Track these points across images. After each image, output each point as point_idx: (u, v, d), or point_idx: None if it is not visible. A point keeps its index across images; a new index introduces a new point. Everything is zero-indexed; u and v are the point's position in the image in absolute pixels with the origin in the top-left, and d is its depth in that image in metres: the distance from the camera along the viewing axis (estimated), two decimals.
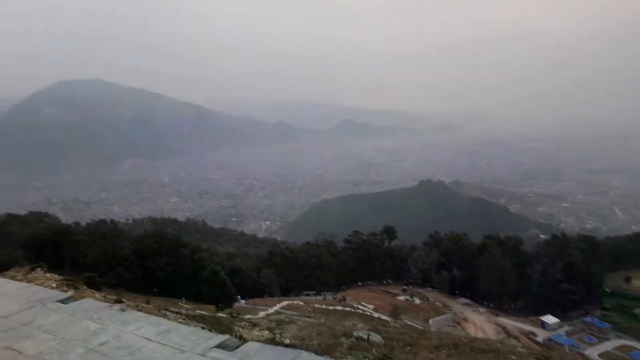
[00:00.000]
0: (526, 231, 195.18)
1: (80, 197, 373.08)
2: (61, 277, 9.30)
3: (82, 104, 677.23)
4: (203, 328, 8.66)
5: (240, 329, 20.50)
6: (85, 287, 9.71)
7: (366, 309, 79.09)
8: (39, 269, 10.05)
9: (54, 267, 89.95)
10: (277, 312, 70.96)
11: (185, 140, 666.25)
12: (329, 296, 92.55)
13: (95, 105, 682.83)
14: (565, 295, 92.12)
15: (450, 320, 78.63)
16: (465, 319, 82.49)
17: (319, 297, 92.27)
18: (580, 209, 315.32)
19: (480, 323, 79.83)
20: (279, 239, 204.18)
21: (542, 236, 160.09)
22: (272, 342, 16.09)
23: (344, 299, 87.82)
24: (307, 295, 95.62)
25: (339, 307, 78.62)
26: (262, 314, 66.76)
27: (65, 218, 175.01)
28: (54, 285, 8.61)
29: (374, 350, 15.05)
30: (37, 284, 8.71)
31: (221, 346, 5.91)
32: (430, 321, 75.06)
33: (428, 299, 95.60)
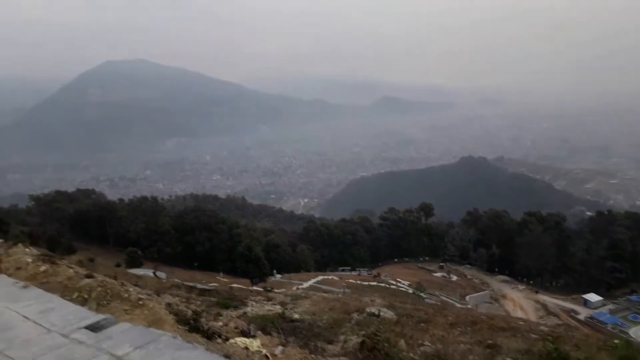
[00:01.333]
0: (572, 208, 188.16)
1: (126, 174, 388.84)
2: (38, 253, 9.60)
3: (127, 83, 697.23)
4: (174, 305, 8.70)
5: (254, 303, 21.10)
6: (64, 262, 9.98)
7: (401, 285, 79.01)
8: (20, 244, 10.41)
9: (100, 240, 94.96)
10: (310, 287, 72.41)
11: (226, 119, 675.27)
12: (364, 272, 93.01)
13: (138, 85, 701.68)
14: (610, 273, 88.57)
15: (488, 297, 77.34)
16: (503, 296, 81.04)
17: (353, 273, 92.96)
18: (631, 185, 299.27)
19: (519, 300, 78.21)
20: (316, 215, 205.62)
21: (588, 213, 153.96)
22: (280, 316, 16.51)
23: (379, 274, 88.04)
24: (342, 270, 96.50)
25: (374, 283, 78.99)
26: (295, 288, 68.12)
27: (112, 195, 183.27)
28: (29, 260, 8.90)
29: (380, 325, 15.09)
30: (11, 259, 9.04)
31: (92, 327, 5.71)
32: (467, 298, 74.10)
33: (465, 276, 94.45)
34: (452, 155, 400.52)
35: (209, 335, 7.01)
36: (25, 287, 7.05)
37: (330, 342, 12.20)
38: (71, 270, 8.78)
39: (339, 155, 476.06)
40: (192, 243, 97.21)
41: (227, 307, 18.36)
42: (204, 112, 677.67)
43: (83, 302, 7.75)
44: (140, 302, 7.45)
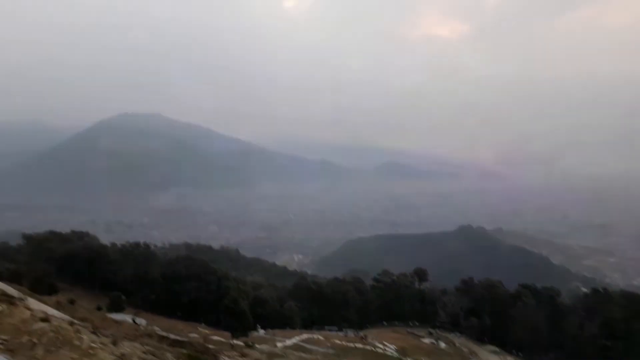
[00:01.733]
0: (568, 284, 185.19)
1: (124, 220, 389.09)
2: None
3: (138, 135, 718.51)
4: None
5: (227, 358, 20.94)
6: (24, 303, 10.09)
7: (387, 349, 76.95)
8: None
9: (86, 283, 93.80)
10: (294, 345, 70.66)
11: (231, 174, 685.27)
12: (351, 333, 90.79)
13: (150, 138, 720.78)
14: (601, 352, 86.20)
15: None
16: None
17: (340, 333, 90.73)
18: (628, 265, 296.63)
19: None
20: (309, 272, 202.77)
21: (584, 289, 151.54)
22: None
23: (366, 337, 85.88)
24: (329, 330, 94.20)
25: (359, 345, 77.01)
26: (279, 345, 66.54)
27: (106, 239, 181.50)
28: None
29: None
30: None
31: None
32: None
33: (454, 344, 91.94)
34: (451, 223, 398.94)
35: None
36: None
37: None
38: (28, 313, 8.62)
39: (338, 215, 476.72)
40: (179, 292, 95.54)
41: None
42: (211, 166, 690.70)
43: (31, 346, 7.44)
44: (91, 352, 7.34)
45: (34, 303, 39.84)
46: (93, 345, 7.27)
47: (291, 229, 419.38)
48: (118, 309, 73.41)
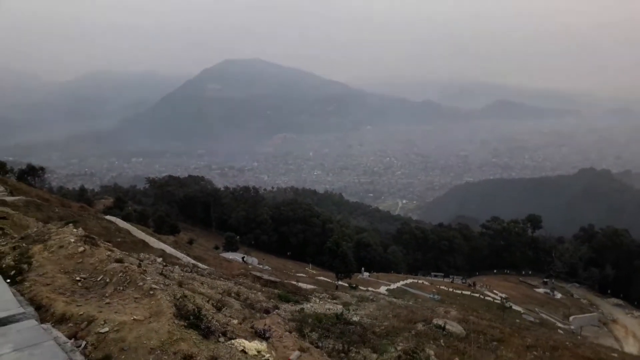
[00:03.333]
0: None
1: (235, 165, 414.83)
2: (83, 234, 9.99)
3: (243, 80, 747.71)
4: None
5: (317, 300, 20.46)
6: (104, 243, 10.34)
7: (497, 298, 73.78)
8: (70, 224, 11.05)
9: (204, 224, 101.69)
10: (398, 288, 70.49)
11: (331, 117, 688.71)
12: (458, 280, 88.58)
13: (253, 82, 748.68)
14: None
15: (596, 320, 69.28)
16: (614, 321, 72.04)
17: (446, 280, 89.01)
18: None
19: (632, 327, 68.82)
20: (414, 218, 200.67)
21: None
22: (337, 317, 15.63)
23: (474, 284, 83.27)
24: (435, 276, 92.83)
25: (467, 292, 74.83)
26: (382, 288, 66.78)
27: (220, 183, 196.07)
28: (72, 240, 9.27)
29: (441, 340, 13.64)
30: (58, 237, 9.49)
31: (3, 321, 5.82)
32: (571, 318, 67.27)
33: (572, 295, 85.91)
34: (571, 165, 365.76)
35: (206, 334, 6.46)
36: None
37: (374, 351, 11.14)
38: (105, 254, 8.98)
39: (443, 158, 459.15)
40: (287, 233, 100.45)
41: (287, 301, 18.01)
42: (311, 110, 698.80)
43: (104, 285, 7.95)
44: (151, 292, 7.37)
45: (154, 242, 43.42)
46: (153, 286, 7.52)
47: (394, 174, 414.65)
48: (232, 248, 78.88)
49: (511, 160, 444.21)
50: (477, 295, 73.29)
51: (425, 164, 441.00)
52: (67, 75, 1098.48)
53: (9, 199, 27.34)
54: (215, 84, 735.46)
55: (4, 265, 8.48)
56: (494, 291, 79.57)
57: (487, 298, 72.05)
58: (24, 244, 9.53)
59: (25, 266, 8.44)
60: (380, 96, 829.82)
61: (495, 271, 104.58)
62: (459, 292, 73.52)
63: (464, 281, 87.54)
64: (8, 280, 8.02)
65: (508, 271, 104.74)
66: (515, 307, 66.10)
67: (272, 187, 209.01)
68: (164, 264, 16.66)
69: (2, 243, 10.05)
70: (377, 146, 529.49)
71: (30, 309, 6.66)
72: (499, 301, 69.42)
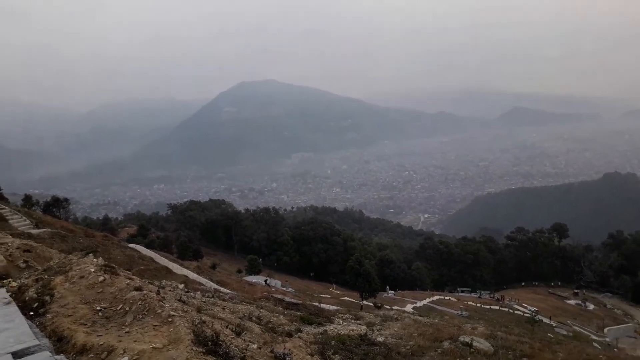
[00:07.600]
0: None
1: (255, 186, 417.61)
2: (103, 263, 10.14)
3: (258, 102, 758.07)
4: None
5: (340, 321, 20.17)
6: (124, 272, 10.46)
7: (526, 311, 71.74)
8: (91, 254, 11.21)
9: (226, 247, 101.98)
10: (425, 306, 69.08)
11: (347, 134, 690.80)
12: (485, 294, 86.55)
13: (269, 103, 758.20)
14: None
15: (632, 331, 66.62)
16: None
17: (473, 295, 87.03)
18: None
19: None
20: (437, 232, 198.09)
21: None
22: (361, 338, 15.37)
23: (502, 298, 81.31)
24: (462, 291, 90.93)
25: (495, 307, 73.01)
26: (409, 306, 65.55)
27: (241, 205, 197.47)
28: (92, 270, 9.39)
29: (468, 358, 13.24)
30: (78, 268, 9.64)
31: (17, 353, 5.78)
32: (606, 330, 64.83)
33: (605, 306, 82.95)
34: (594, 170, 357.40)
35: (225, 359, 6.39)
36: (7, 303, 7.59)
37: None
38: (124, 282, 9.05)
39: (463, 170, 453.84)
40: (309, 253, 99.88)
41: (310, 323, 17.79)
42: (327, 128, 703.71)
43: (123, 314, 8.02)
44: (170, 319, 7.37)
45: (177, 268, 43.68)
46: (172, 313, 7.64)
47: (414, 188, 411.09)
48: (255, 271, 78.75)
49: (532, 168, 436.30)
50: (506, 309, 71.48)
51: (446, 176, 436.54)
52: (89, 105, 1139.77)
53: (35, 231, 27.92)
54: (231, 107, 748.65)
55: (27, 298, 8.62)
56: (523, 304, 77.52)
57: (516, 312, 70.12)
58: (46, 276, 9.68)
59: (47, 298, 8.56)
60: (396, 110, 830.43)
61: (523, 283, 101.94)
62: (487, 307, 71.87)
63: (491, 295, 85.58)
64: (32, 313, 8.07)
65: (536, 283, 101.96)
66: (545, 320, 64.18)
67: (292, 207, 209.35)
68: (186, 290, 16.68)
69: (26, 276, 10.24)
70: (395, 160, 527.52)
71: (45, 341, 6.71)
72: (528, 315, 67.67)
